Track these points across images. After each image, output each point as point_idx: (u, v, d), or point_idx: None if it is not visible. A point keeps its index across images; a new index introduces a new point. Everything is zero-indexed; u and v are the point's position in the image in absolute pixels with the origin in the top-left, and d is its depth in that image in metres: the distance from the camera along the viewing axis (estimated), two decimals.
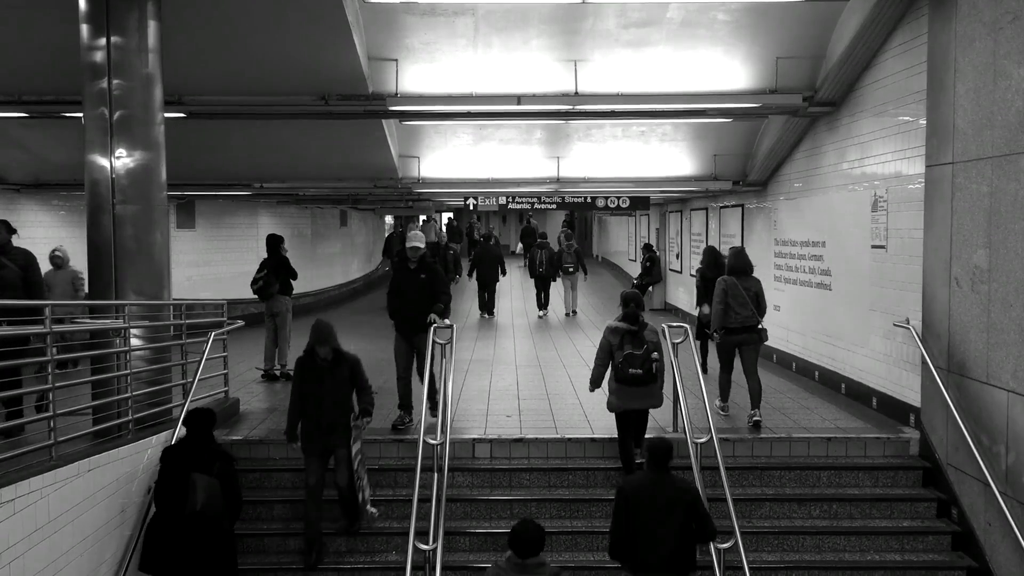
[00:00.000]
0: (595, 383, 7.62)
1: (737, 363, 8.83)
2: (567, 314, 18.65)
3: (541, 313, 18.56)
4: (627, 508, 5.65)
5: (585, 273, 18.65)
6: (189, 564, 6.07)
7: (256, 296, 11.24)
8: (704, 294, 10.61)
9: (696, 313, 11.25)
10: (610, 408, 7.53)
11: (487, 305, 18.45)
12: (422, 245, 8.51)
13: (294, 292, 11.71)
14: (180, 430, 7.14)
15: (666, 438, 6.15)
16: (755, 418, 8.45)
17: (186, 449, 6.27)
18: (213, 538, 6.14)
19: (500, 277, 18.69)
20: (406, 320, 8.45)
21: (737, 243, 14.34)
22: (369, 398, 7.23)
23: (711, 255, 11.04)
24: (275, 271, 11.16)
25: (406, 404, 8.58)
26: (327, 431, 7.00)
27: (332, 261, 24.76)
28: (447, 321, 8.34)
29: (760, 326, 8.69)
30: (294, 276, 11.44)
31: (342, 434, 7.04)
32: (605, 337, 7.49)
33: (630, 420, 7.48)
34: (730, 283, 8.74)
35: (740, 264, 8.96)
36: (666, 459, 5.75)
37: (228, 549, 6.32)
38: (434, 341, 8.01)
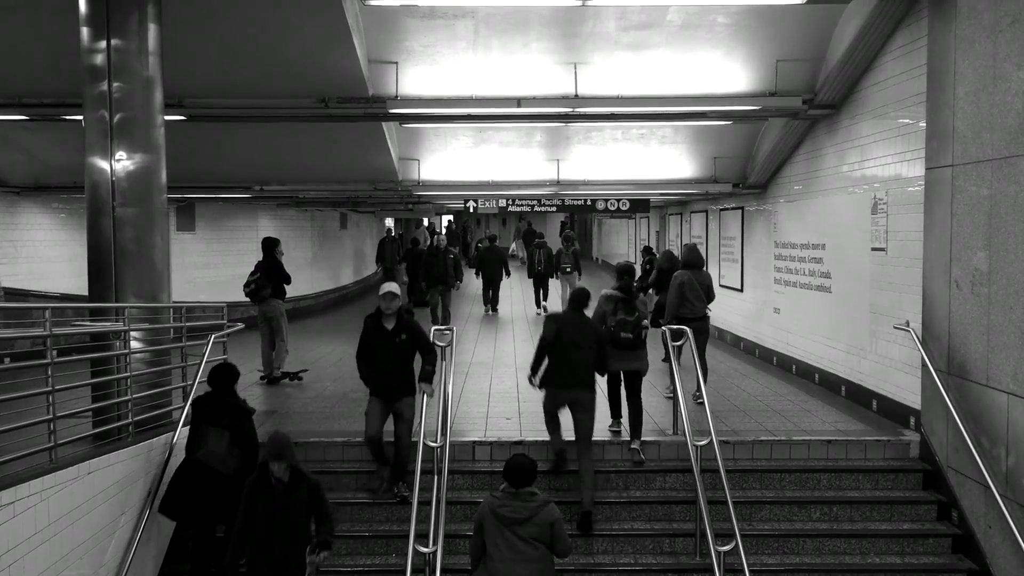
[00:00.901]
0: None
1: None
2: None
3: (540, 310, 19.13)
4: (558, 331, 7.62)
5: (580, 274, 19.06)
6: (193, 507, 6.68)
7: (249, 299, 11.17)
8: (659, 285, 11.46)
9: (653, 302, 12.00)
10: None
11: (492, 301, 19.38)
12: (399, 292, 7.50)
13: (296, 294, 11.65)
14: (181, 435, 7.24)
15: (585, 288, 8.05)
16: (698, 400, 9.05)
17: (205, 402, 6.86)
18: (216, 485, 6.57)
19: (505, 277, 19.50)
20: (384, 387, 7.49)
21: (737, 246, 14.36)
22: (330, 527, 6.05)
23: (669, 254, 12.04)
24: (267, 274, 11.03)
25: (380, 457, 7.69)
26: (278, 566, 5.82)
27: (332, 263, 24.74)
28: (444, 333, 8.11)
29: (707, 315, 9.71)
30: (287, 280, 11.29)
31: (295, 571, 5.86)
32: (600, 305, 8.12)
33: (618, 379, 8.16)
34: (687, 278, 9.52)
35: (695, 259, 9.88)
36: (585, 302, 7.87)
37: (233, 497, 6.37)
38: (434, 343, 7.99)
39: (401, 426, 7.53)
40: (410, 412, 7.55)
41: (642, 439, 8.01)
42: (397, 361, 7.49)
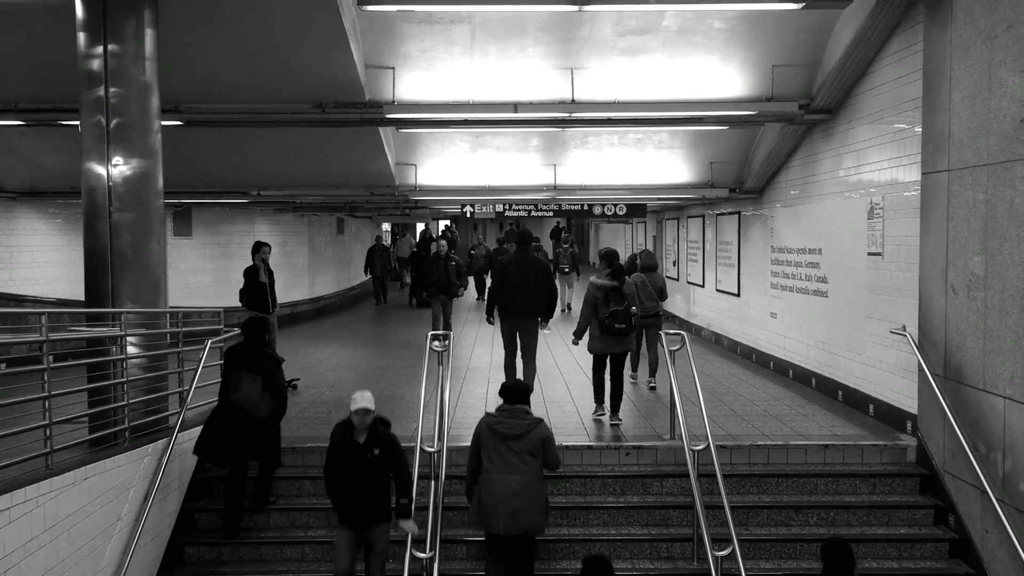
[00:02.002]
0: (580, 335, 9.07)
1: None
2: (562, 310, 19.67)
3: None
4: (504, 272, 9.29)
5: (578, 274, 20.54)
6: (230, 447, 7.26)
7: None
8: None
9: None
10: (592, 350, 8.97)
11: None
12: (372, 407, 6.27)
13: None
14: (178, 440, 7.19)
15: (528, 229, 9.64)
16: (651, 384, 10.81)
17: (237, 351, 7.46)
18: (250, 427, 7.21)
19: None
20: (353, 512, 6.27)
21: (733, 250, 14.37)
22: None
23: (633, 260, 13.02)
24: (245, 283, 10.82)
25: None
26: None
27: (329, 268, 24.72)
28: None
29: (659, 312, 11.13)
30: (257, 290, 10.76)
31: None
32: (591, 291, 8.81)
33: (604, 363, 8.94)
34: (640, 280, 10.69)
35: (651, 263, 11.46)
36: (528, 242, 9.70)
37: (268, 438, 7.36)
38: (431, 349, 7.99)
39: (373, 561, 6.35)
40: (384, 544, 6.37)
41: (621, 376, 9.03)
42: (369, 481, 6.24)
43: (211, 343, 8.33)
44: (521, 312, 9.27)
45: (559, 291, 19.98)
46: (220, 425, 7.26)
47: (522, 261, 9.41)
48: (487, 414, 6.46)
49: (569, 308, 19.69)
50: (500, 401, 6.57)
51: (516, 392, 6.51)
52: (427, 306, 15.97)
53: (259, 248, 11.10)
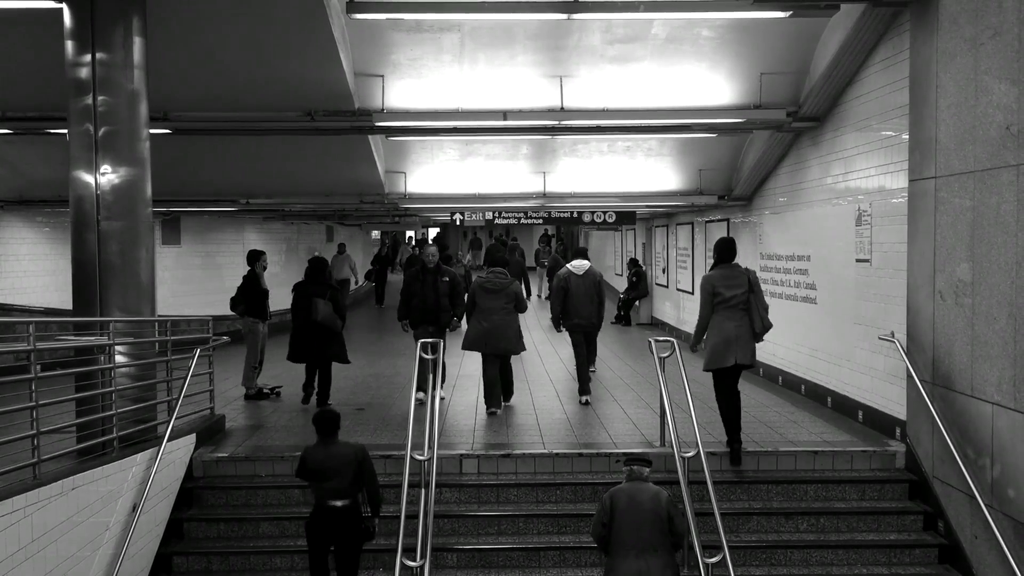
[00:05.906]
0: (558, 322, 10.64)
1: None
2: (538, 296, 23.29)
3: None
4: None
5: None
6: (317, 351, 9.99)
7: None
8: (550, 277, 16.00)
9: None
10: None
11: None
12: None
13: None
14: (166, 450, 7.17)
15: (513, 244, 15.23)
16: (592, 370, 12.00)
17: (308, 283, 10.10)
18: (331, 336, 9.94)
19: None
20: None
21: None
22: None
23: (556, 257, 15.59)
24: (242, 290, 10.86)
25: None
26: None
27: None
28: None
29: None
30: (260, 296, 10.85)
31: None
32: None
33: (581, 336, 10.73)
34: (567, 273, 11.42)
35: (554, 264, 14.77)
36: (514, 249, 18.63)
37: (341, 344, 10.11)
38: (421, 357, 8.01)
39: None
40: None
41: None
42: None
43: (200, 351, 8.31)
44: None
45: (540, 282, 24.93)
46: (305, 338, 9.92)
47: (511, 260, 13.82)
48: (478, 276, 9.82)
49: (542, 296, 23.19)
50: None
51: (496, 259, 9.78)
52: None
53: (259, 256, 11.12)
